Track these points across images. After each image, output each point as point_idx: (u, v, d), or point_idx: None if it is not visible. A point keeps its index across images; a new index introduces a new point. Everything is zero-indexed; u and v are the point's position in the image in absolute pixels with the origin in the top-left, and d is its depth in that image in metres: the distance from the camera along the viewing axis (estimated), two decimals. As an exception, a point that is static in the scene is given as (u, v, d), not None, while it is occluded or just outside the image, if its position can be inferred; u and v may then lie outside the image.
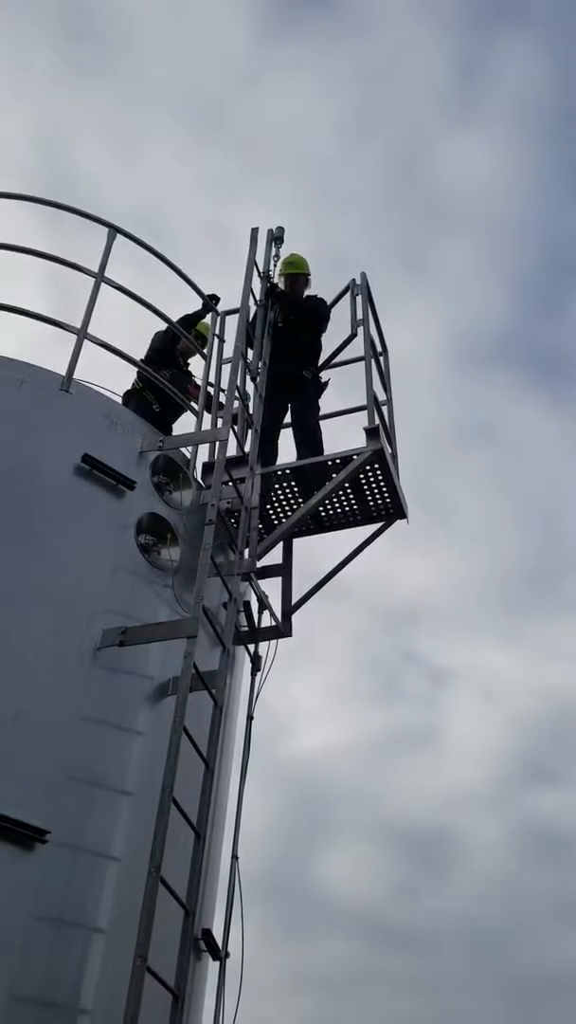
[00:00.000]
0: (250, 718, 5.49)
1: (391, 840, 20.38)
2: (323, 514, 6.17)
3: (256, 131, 21.77)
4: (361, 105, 22.27)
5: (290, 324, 6.74)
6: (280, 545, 6.08)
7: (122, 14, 20.08)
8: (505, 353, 24.94)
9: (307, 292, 7.10)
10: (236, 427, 5.73)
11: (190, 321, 6.82)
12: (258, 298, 6.72)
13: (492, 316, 24.08)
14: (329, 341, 6.94)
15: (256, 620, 5.84)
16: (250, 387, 6.24)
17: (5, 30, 19.37)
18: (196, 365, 7.28)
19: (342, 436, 6.20)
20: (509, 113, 22.82)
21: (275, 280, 7.00)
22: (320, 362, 6.87)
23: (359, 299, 6.65)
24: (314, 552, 6.31)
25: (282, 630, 5.82)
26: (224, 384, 6.26)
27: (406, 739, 22.03)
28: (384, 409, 6.35)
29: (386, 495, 6.02)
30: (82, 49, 20.71)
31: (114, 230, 5.66)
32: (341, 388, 6.76)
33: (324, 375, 6.82)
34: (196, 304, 6.82)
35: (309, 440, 6.30)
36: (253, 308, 6.55)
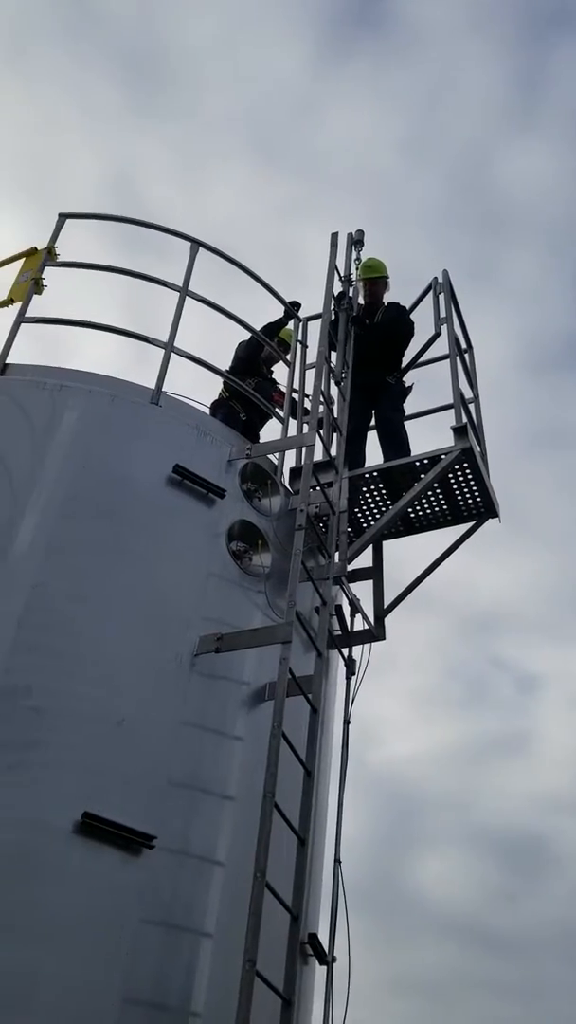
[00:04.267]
0: (347, 722, 5.49)
1: (485, 846, 20.04)
2: (412, 516, 6.12)
3: (319, 155, 22.01)
4: (421, 121, 22.28)
5: (372, 333, 6.72)
6: (370, 548, 6.06)
7: (182, 52, 20.56)
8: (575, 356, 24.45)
9: (387, 296, 7.07)
10: (322, 432, 5.74)
11: (272, 329, 6.87)
12: (341, 303, 6.73)
13: (561, 320, 23.64)
14: (412, 341, 6.89)
15: (349, 624, 5.83)
16: (334, 391, 6.25)
17: (74, 76, 20.10)
18: (280, 372, 7.34)
19: (428, 437, 6.15)
20: (570, 119, 22.43)
21: (355, 283, 6.99)
22: (404, 364, 6.82)
23: (442, 297, 6.58)
24: (396, 557, 6.27)
25: (375, 633, 5.79)
26: (309, 389, 6.28)
27: (497, 745, 21.65)
28: (471, 407, 6.27)
29: (476, 494, 5.93)
30: (146, 87, 21.31)
31: (196, 244, 5.75)
32: (427, 388, 6.71)
33: (407, 380, 6.78)
34: (270, 317, 6.89)
35: (395, 442, 6.26)
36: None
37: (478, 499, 5.95)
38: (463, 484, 5.86)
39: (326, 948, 4.70)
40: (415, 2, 21.44)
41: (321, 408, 5.54)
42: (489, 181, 22.77)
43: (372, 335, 6.70)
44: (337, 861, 4.92)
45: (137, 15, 20.04)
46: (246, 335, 6.56)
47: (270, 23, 21.02)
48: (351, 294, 6.88)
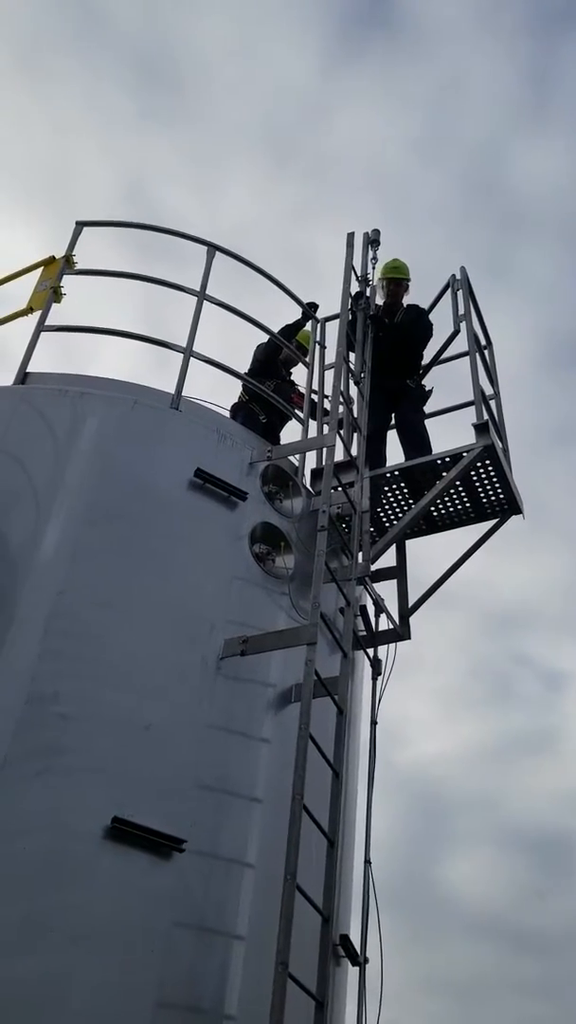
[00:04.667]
0: (374, 723, 5.48)
1: (514, 844, 19.95)
2: (435, 514, 6.10)
3: (331, 156, 22.04)
4: (432, 120, 22.25)
5: (391, 335, 6.72)
6: (393, 548, 6.04)
7: (192, 56, 20.64)
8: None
9: (406, 299, 7.06)
10: (342, 432, 5.73)
11: (290, 331, 6.88)
12: (359, 303, 6.72)
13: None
14: (431, 343, 6.88)
15: (374, 624, 5.82)
16: (354, 391, 6.24)
17: (86, 83, 20.24)
18: (299, 374, 7.34)
19: (450, 435, 6.13)
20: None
21: (375, 283, 6.99)
22: (423, 364, 6.81)
23: (459, 294, 6.56)
24: (419, 556, 6.26)
25: (400, 633, 5.77)
26: (328, 390, 6.28)
27: (523, 743, 21.55)
28: (492, 403, 6.24)
29: (499, 491, 5.90)
30: (157, 92, 21.42)
31: (213, 248, 5.76)
32: (447, 386, 6.70)
33: (427, 383, 6.77)
34: (287, 319, 6.90)
35: (416, 442, 6.24)
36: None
37: (501, 496, 5.92)
38: (485, 481, 5.83)
39: (358, 949, 4.69)
40: (424, 1, 21.43)
41: (341, 408, 5.53)
42: (502, 178, 22.74)
43: (391, 337, 6.70)
44: (367, 862, 4.92)
45: (147, 21, 20.17)
46: (264, 337, 6.57)
47: (279, 26, 21.07)
48: (368, 293, 6.88)
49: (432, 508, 5.94)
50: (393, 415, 6.59)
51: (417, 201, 22.11)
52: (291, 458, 5.49)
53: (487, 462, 5.68)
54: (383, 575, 6.04)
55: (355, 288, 6.66)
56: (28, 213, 21.75)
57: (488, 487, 5.88)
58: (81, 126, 21.08)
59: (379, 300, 7.03)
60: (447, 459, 5.69)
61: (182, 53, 20.52)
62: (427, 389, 6.69)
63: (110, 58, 20.59)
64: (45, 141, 21.23)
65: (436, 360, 6.81)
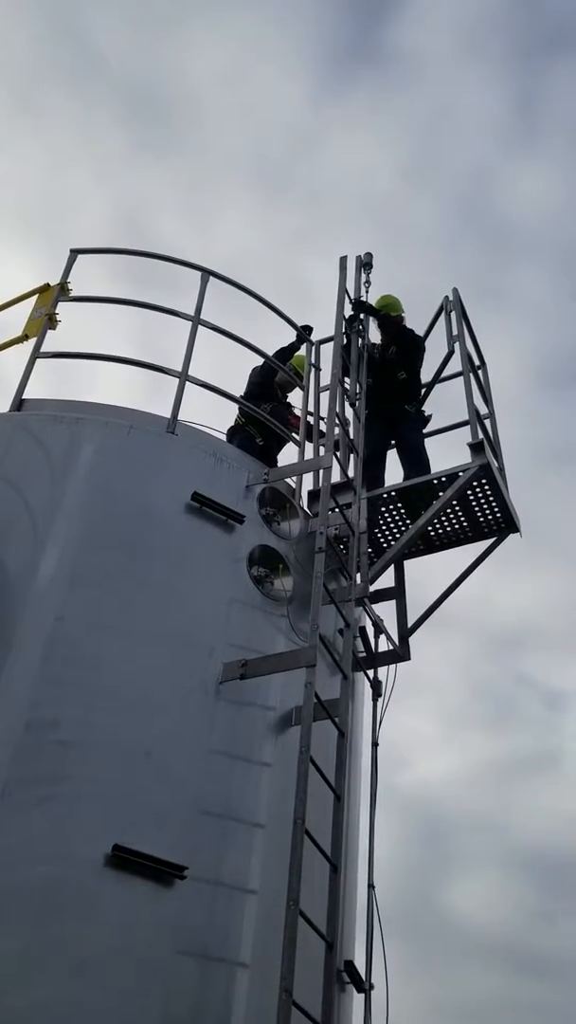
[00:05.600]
0: (375, 745, 5.45)
1: (521, 866, 19.76)
2: (432, 534, 6.10)
3: (323, 184, 22.35)
4: (422, 147, 22.60)
5: (388, 361, 6.76)
6: (391, 568, 6.04)
7: (186, 92, 20.96)
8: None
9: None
10: (338, 453, 5.74)
11: (285, 353, 6.92)
12: (353, 325, 6.76)
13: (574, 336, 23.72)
14: (426, 365, 6.94)
15: (373, 645, 5.81)
16: (349, 413, 6.27)
17: (81, 117, 20.54)
18: (295, 396, 7.38)
19: (446, 456, 6.15)
20: (569, 138, 22.70)
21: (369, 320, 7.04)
22: (423, 384, 6.85)
23: (453, 315, 6.61)
24: (418, 576, 6.26)
25: (400, 654, 5.76)
26: (324, 412, 6.30)
27: (527, 764, 21.40)
28: (487, 423, 6.26)
29: (496, 510, 5.91)
30: (151, 125, 21.74)
31: (207, 273, 5.81)
32: (442, 407, 6.74)
33: (426, 409, 6.81)
34: (281, 343, 6.94)
35: (415, 461, 6.27)
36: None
37: (498, 515, 5.93)
38: (482, 501, 5.85)
39: (363, 975, 4.64)
40: (411, 31, 21.76)
41: (337, 430, 5.55)
42: (493, 203, 23.00)
43: (387, 369, 6.75)
44: (370, 886, 4.87)
45: (139, 55, 20.46)
46: (259, 361, 6.60)
47: (271, 56, 21.37)
48: (361, 322, 6.91)
49: (430, 528, 5.95)
50: (392, 439, 6.62)
51: (410, 226, 22.36)
52: (288, 480, 5.50)
53: (483, 481, 5.70)
54: (382, 596, 6.03)
55: (348, 311, 6.71)
56: (24, 244, 21.97)
57: (485, 506, 5.89)
58: (76, 158, 21.34)
59: (374, 338, 7.07)
60: (443, 479, 5.71)
61: (175, 85, 20.83)
62: (426, 414, 6.73)
63: (104, 91, 20.90)
64: (41, 173, 21.47)
65: (432, 382, 6.85)
